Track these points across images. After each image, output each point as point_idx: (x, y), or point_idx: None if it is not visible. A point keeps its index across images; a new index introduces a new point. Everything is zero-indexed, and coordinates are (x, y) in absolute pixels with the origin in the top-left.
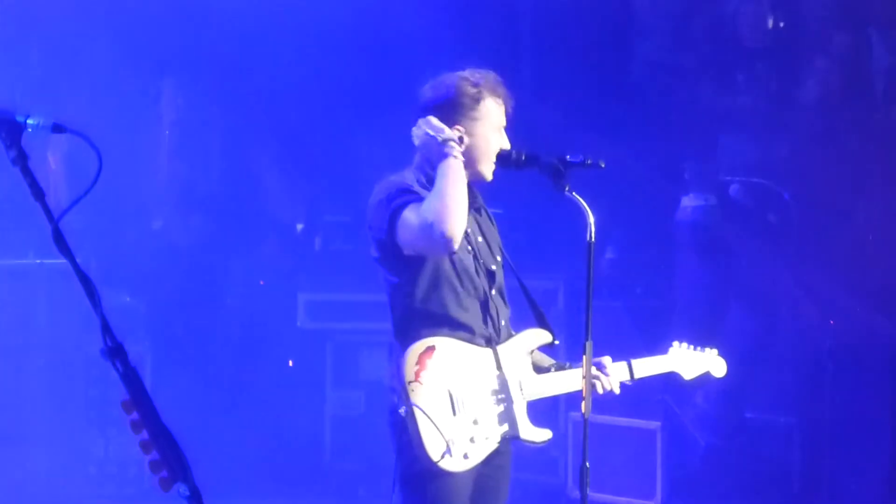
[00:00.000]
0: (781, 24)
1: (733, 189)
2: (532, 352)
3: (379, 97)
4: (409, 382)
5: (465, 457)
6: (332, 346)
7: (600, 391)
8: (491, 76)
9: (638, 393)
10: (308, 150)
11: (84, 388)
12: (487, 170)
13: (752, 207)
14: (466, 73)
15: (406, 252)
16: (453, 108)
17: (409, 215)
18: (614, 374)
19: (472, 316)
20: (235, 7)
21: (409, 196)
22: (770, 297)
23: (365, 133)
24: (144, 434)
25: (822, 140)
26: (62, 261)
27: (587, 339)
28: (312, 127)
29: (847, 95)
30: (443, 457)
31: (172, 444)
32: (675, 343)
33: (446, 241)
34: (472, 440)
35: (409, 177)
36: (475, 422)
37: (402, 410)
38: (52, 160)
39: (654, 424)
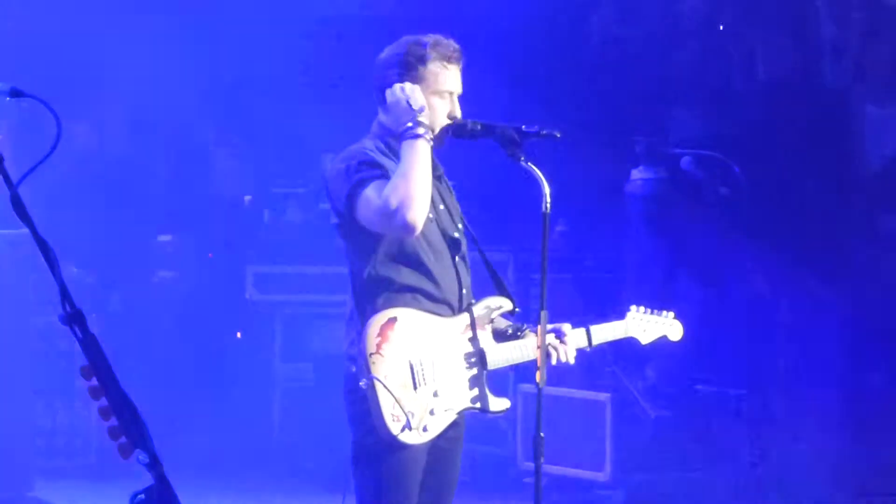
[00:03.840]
0: None
1: (684, 162)
2: (492, 320)
3: (325, 68)
4: (371, 354)
5: (425, 429)
6: (281, 319)
7: (553, 362)
8: (445, 42)
9: (588, 364)
10: (255, 121)
11: (30, 360)
12: (437, 131)
13: (703, 180)
14: (420, 36)
15: (364, 226)
16: (398, 66)
17: (371, 194)
18: (572, 342)
19: (434, 285)
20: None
21: (370, 171)
22: (720, 269)
23: (312, 104)
24: (103, 400)
25: (772, 114)
26: (3, 231)
27: (542, 309)
28: (258, 98)
29: (797, 68)
30: (402, 430)
31: (132, 410)
32: (633, 307)
33: (409, 227)
34: (431, 412)
35: (368, 145)
36: (435, 394)
37: (362, 383)
38: None
39: (604, 396)
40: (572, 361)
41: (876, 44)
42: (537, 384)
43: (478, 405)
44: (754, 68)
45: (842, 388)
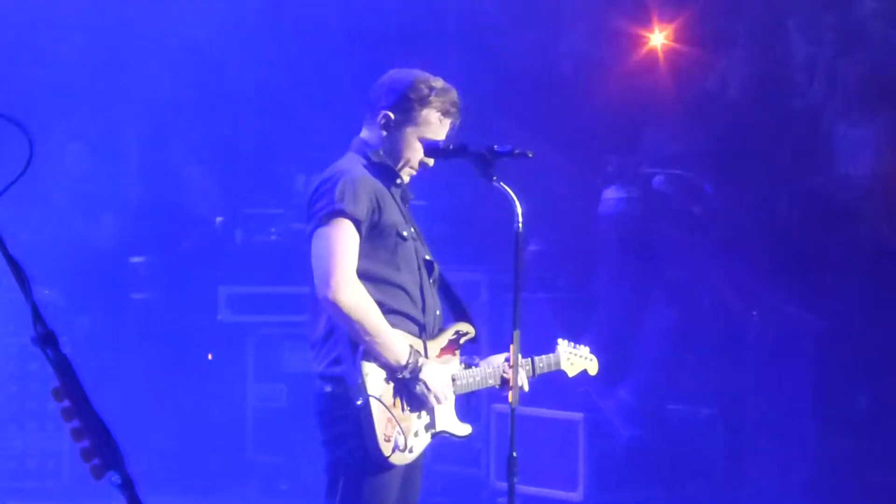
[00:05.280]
0: (699, 15)
1: (656, 181)
2: (461, 346)
3: (298, 88)
4: (367, 374)
5: (410, 451)
6: (253, 340)
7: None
8: (450, 95)
9: (560, 384)
10: (227, 141)
11: (2, 382)
12: (403, 172)
13: (675, 199)
14: (428, 77)
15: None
16: (397, 98)
17: (331, 242)
18: (522, 370)
19: (414, 307)
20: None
21: (349, 207)
22: (693, 289)
23: (284, 124)
24: (76, 422)
25: (743, 131)
26: None
27: (515, 328)
28: (230, 118)
29: (766, 86)
30: (393, 451)
31: (104, 431)
32: (561, 341)
33: (328, 303)
34: (416, 434)
35: (353, 160)
36: (419, 416)
37: (359, 402)
38: None
39: (577, 416)
40: (526, 388)
41: (847, 62)
42: (510, 404)
43: (450, 429)
44: (726, 86)
45: (815, 407)
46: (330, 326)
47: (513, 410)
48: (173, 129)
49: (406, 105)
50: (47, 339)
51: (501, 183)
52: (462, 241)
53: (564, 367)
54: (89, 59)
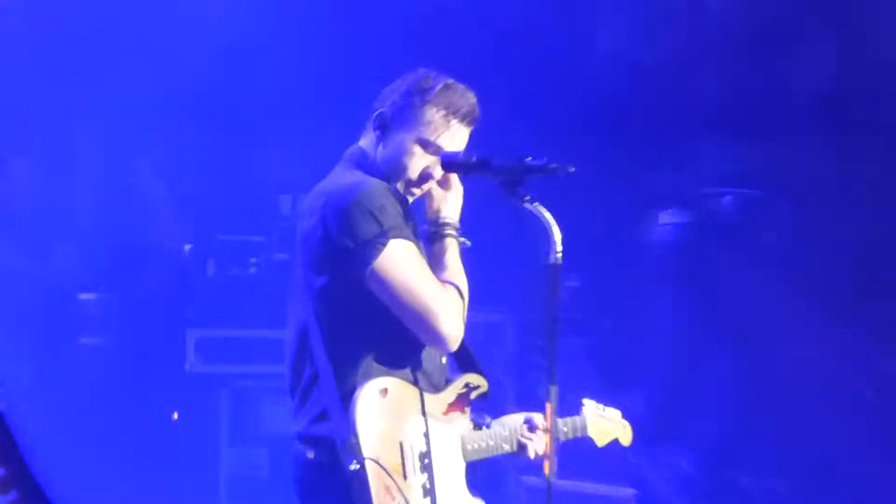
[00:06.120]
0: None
1: (722, 203)
2: (471, 403)
3: (282, 98)
4: (362, 431)
5: None
6: (228, 394)
7: (531, 455)
8: (460, 93)
9: (608, 452)
10: (198, 156)
11: None
12: (400, 185)
13: (743, 225)
14: (439, 74)
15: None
16: (395, 96)
17: (410, 271)
18: (543, 435)
19: (416, 353)
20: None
21: (400, 229)
22: (764, 336)
23: (266, 138)
24: (13, 494)
25: (827, 143)
26: None
27: (552, 384)
28: (203, 130)
29: (857, 87)
30: None
31: None
32: (587, 401)
33: (445, 342)
34: None
35: (378, 183)
36: (425, 487)
37: (353, 466)
38: None
39: (628, 492)
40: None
41: None
42: (546, 477)
43: None
44: (804, 87)
45: None
46: (314, 371)
47: (549, 485)
48: (134, 139)
49: (404, 101)
50: None
51: (535, 204)
52: (483, 274)
53: (592, 433)
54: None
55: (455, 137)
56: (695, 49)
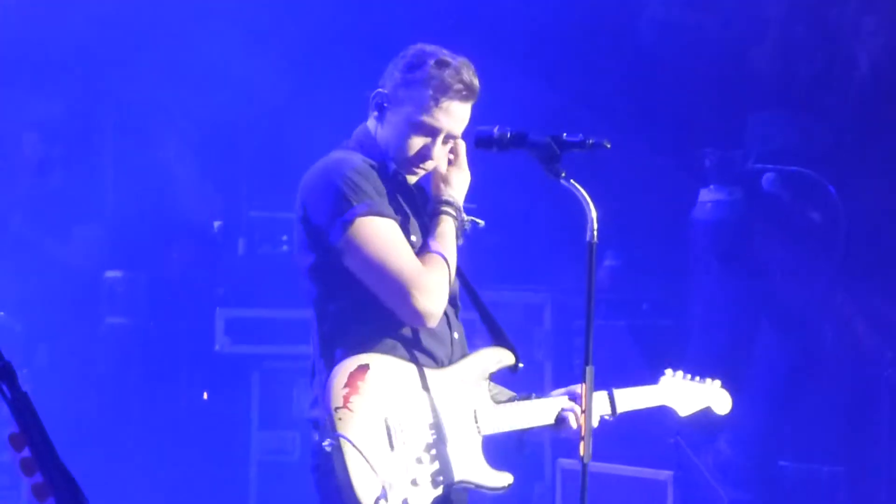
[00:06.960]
0: None
1: (766, 180)
2: (490, 376)
3: (314, 73)
4: (337, 409)
5: (405, 503)
6: (259, 376)
7: (573, 425)
8: (455, 68)
9: (645, 434)
10: (227, 132)
11: None
12: (401, 167)
13: (790, 203)
14: (436, 48)
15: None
16: (392, 74)
17: (380, 246)
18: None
19: (416, 329)
20: None
21: (372, 204)
22: (811, 316)
23: (297, 112)
24: (38, 476)
25: (877, 121)
26: None
27: (587, 364)
28: (232, 106)
29: None
30: (377, 502)
31: (73, 489)
32: (668, 371)
33: (420, 318)
34: (414, 483)
35: (357, 160)
36: (418, 460)
37: (326, 445)
38: None
39: (665, 474)
40: (595, 424)
41: None
42: (581, 458)
43: (470, 478)
44: (855, 63)
45: None
46: (318, 356)
47: (584, 467)
48: (163, 114)
49: (398, 80)
50: (2, 374)
51: (572, 181)
52: (519, 254)
53: (671, 403)
54: (69, 42)
55: (451, 114)
56: (751, 20)
